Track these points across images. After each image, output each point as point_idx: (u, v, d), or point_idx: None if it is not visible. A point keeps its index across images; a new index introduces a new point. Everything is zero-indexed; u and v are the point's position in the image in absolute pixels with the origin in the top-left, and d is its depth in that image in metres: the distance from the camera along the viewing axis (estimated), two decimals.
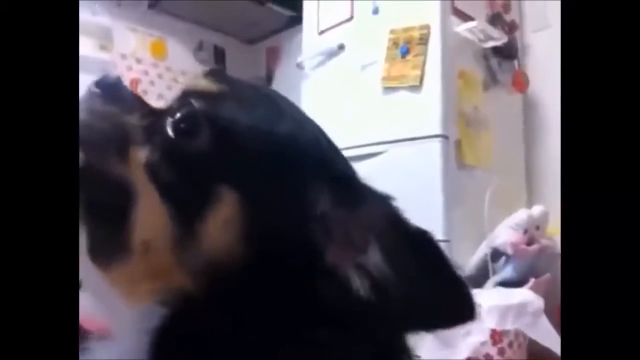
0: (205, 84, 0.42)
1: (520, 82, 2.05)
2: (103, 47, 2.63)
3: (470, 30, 1.81)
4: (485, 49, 1.90)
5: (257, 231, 0.37)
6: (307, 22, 2.28)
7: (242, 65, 3.23)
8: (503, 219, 1.72)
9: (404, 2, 1.86)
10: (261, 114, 0.41)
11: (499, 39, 1.87)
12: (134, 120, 0.41)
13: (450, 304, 0.36)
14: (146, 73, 2.89)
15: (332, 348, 0.35)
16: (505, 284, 1.61)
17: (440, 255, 0.36)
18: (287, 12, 2.84)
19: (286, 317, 0.35)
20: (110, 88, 0.43)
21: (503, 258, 1.68)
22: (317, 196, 0.37)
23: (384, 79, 1.84)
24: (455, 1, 1.81)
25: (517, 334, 1.42)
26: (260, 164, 0.38)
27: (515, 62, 2.05)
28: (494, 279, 1.63)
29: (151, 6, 2.84)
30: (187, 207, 0.37)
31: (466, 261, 1.69)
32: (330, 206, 0.37)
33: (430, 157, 1.69)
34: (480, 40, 1.86)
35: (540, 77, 2.10)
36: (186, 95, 0.41)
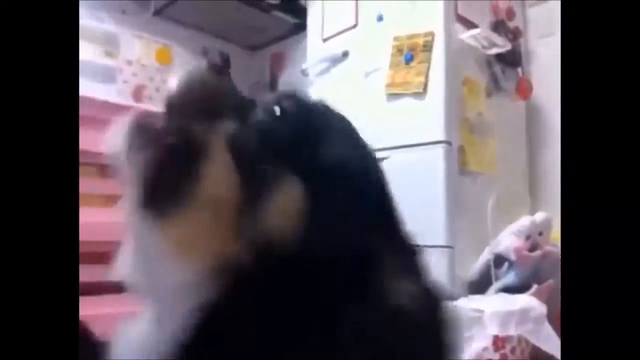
0: (301, 92, 0.47)
1: (524, 89, 2.06)
2: (109, 54, 2.66)
3: (474, 37, 1.82)
4: (489, 55, 1.91)
5: (316, 227, 0.39)
6: (311, 29, 2.30)
7: (246, 71, 3.25)
8: (506, 225, 1.72)
9: (408, 10, 1.87)
10: (342, 131, 0.46)
11: (502, 46, 1.88)
12: (229, 99, 0.46)
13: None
14: (151, 79, 2.91)
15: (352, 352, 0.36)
16: (508, 290, 1.61)
17: (444, 316, 0.39)
18: (292, 19, 2.85)
19: (323, 314, 0.36)
20: (216, 67, 0.47)
21: (506, 264, 1.68)
22: (369, 219, 0.41)
23: (388, 85, 1.86)
24: (459, 8, 1.83)
25: (520, 340, 1.42)
26: (331, 172, 0.42)
27: (519, 69, 2.06)
28: (496, 284, 1.63)
29: (156, 13, 2.86)
30: (257, 184, 0.39)
31: (469, 267, 1.69)
32: (376, 231, 0.41)
33: (433, 163, 1.70)
34: (484, 47, 1.87)
35: (544, 84, 2.10)
36: (282, 96, 0.46)
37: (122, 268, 0.43)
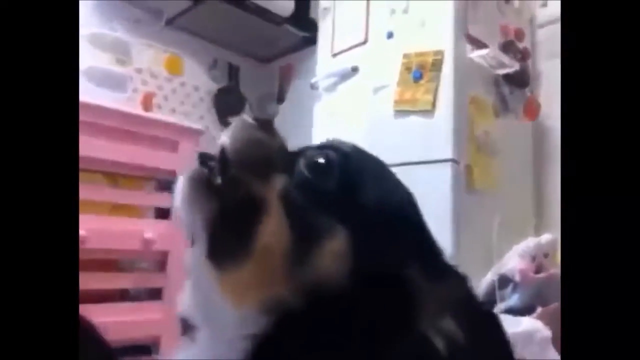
0: (339, 142, 0.51)
1: (532, 110, 2.07)
2: (120, 62, 2.68)
3: (483, 57, 1.83)
4: (498, 75, 1.92)
5: (361, 269, 0.41)
6: (321, 43, 2.31)
7: (255, 82, 3.27)
8: (512, 244, 1.72)
9: (418, 28, 1.88)
10: (380, 175, 0.49)
11: (511, 66, 1.89)
12: (277, 153, 0.49)
13: None
14: (160, 88, 2.93)
15: None
16: (512, 311, 1.60)
17: (503, 336, 0.42)
18: (302, 33, 2.88)
19: (370, 349, 0.39)
20: (266, 124, 0.51)
21: (510, 285, 1.67)
22: (412, 261, 0.43)
23: (396, 102, 1.86)
24: (469, 28, 1.84)
25: None
26: (373, 214, 0.45)
27: (527, 90, 2.07)
28: (500, 306, 1.62)
29: (168, 23, 2.89)
30: (306, 231, 0.43)
31: (474, 286, 1.68)
32: (419, 273, 0.42)
33: (440, 181, 1.70)
34: (492, 67, 1.88)
35: (551, 105, 2.11)
36: (324, 147, 0.49)
37: (184, 301, 0.47)
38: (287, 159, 0.48)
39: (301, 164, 0.47)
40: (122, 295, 1.51)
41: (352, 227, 0.42)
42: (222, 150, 0.47)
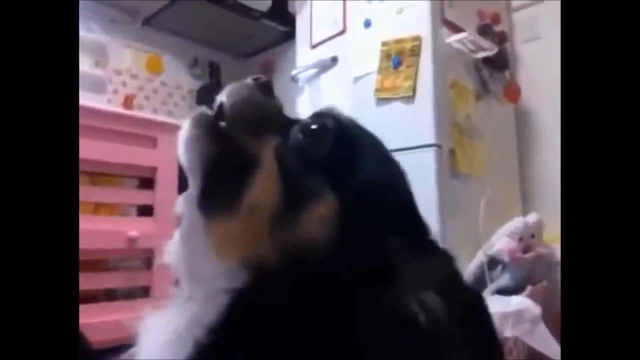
0: (337, 111, 0.51)
1: (512, 93, 2.08)
2: (98, 64, 2.64)
3: (460, 41, 1.83)
4: (477, 59, 1.93)
5: (346, 236, 0.41)
6: (300, 36, 2.30)
7: (236, 79, 3.24)
8: (498, 227, 1.73)
9: (395, 15, 1.88)
10: (373, 146, 0.50)
11: (489, 49, 1.90)
12: (275, 114, 0.50)
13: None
14: (141, 88, 2.90)
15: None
16: (502, 292, 1.61)
17: (487, 316, 0.42)
18: (281, 27, 2.86)
19: (347, 319, 0.38)
20: (264, 86, 0.51)
21: (500, 266, 1.68)
22: (399, 234, 0.43)
23: (377, 90, 1.86)
24: (445, 12, 1.84)
25: (516, 341, 1.42)
26: (363, 183, 0.45)
27: (507, 73, 2.08)
28: (491, 287, 1.63)
29: (145, 22, 2.86)
30: (296, 192, 0.43)
31: (462, 269, 1.69)
32: (404, 246, 0.42)
33: (424, 167, 1.70)
34: (471, 51, 1.89)
35: (531, 87, 2.12)
36: (321, 114, 0.50)
37: (170, 250, 0.48)
38: (283, 122, 0.49)
39: (297, 128, 0.48)
40: (109, 295, 1.49)
41: (341, 195, 0.43)
42: (220, 106, 0.48)
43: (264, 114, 0.49)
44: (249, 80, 0.51)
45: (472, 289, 0.42)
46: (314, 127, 0.48)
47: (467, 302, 0.41)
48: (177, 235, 0.48)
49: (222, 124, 0.47)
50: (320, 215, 0.42)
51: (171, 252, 0.48)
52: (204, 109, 0.49)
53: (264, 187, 0.44)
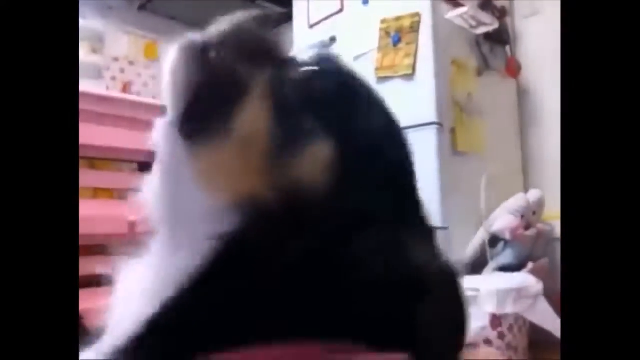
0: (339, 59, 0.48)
1: (513, 68, 2.05)
2: (95, 51, 2.63)
3: (461, 16, 1.80)
4: (477, 35, 1.90)
5: (342, 183, 0.39)
6: (297, 16, 2.28)
7: None
8: (500, 204, 1.72)
9: None
10: (375, 97, 0.47)
11: (490, 24, 1.87)
12: (271, 47, 0.46)
13: (445, 333, 0.40)
14: (139, 75, 2.88)
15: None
16: (504, 269, 1.61)
17: (456, 292, 0.40)
18: (278, 9, 2.83)
19: (342, 254, 0.37)
20: (262, 18, 0.47)
21: (501, 243, 1.67)
22: (391, 184, 0.42)
23: (377, 69, 1.84)
24: None
25: (517, 318, 1.42)
26: (362, 132, 0.43)
27: (508, 48, 2.05)
28: (492, 264, 1.63)
29: (141, 8, 2.84)
30: (292, 131, 0.40)
31: (464, 247, 1.69)
32: (395, 197, 0.41)
33: (425, 145, 1.69)
34: (471, 27, 1.86)
35: (532, 63, 2.10)
36: (321, 56, 0.47)
37: (147, 189, 0.43)
38: (280, 57, 0.46)
39: (295, 64, 0.45)
40: (110, 280, 1.49)
41: (339, 140, 0.40)
42: (212, 34, 0.44)
43: (258, 45, 0.45)
44: (246, 13, 0.47)
45: (448, 264, 0.41)
46: (314, 66, 0.45)
47: (444, 276, 0.40)
48: (155, 168, 0.43)
49: (212, 52, 0.43)
50: (315, 156, 0.39)
51: (149, 189, 0.43)
52: (192, 38, 0.45)
53: (255, 117, 0.40)
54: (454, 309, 0.40)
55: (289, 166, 0.39)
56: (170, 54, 0.43)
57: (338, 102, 0.43)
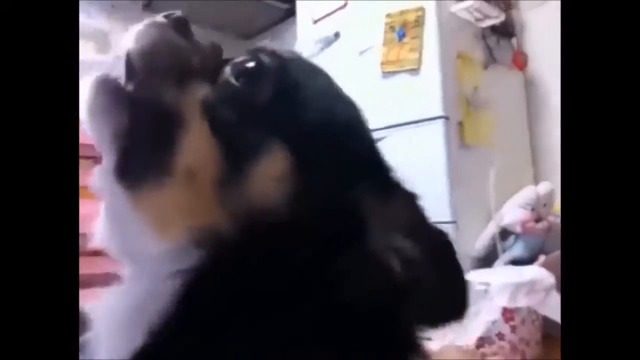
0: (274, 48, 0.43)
1: (520, 60, 2.04)
2: (100, 50, 2.63)
3: (466, 9, 1.79)
4: (483, 28, 1.89)
5: (304, 192, 0.37)
6: (301, 12, 2.27)
7: None
8: (509, 196, 1.71)
9: None
10: (323, 85, 0.43)
11: (495, 17, 1.85)
12: (197, 58, 0.41)
13: (450, 300, 0.39)
14: None
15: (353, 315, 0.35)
16: (515, 262, 1.60)
17: (453, 255, 0.39)
18: (282, 5, 2.82)
19: (319, 277, 0.35)
20: (179, 23, 0.43)
21: (512, 236, 1.66)
22: (362, 179, 0.38)
23: (383, 63, 1.83)
24: None
25: (530, 311, 1.41)
26: (316, 130, 0.39)
27: (514, 40, 2.03)
28: (503, 257, 1.62)
29: (145, 6, 2.83)
30: (238, 150, 0.37)
31: (474, 241, 1.68)
32: (370, 191, 0.38)
33: (432, 139, 1.68)
34: (477, 20, 1.85)
35: (539, 55, 2.08)
36: (257, 51, 0.42)
37: (99, 235, 0.41)
38: (210, 66, 0.41)
39: (228, 72, 0.40)
40: (114, 279, 1.48)
41: (292, 145, 0.37)
42: (127, 54, 0.39)
43: (183, 60, 0.40)
44: (159, 18, 0.42)
45: (436, 228, 0.39)
46: (248, 67, 0.40)
47: (436, 242, 0.38)
48: (102, 212, 0.40)
49: (130, 85, 0.39)
50: (273, 172, 0.36)
51: (100, 233, 0.40)
52: (104, 73, 0.39)
53: (196, 148, 0.37)
54: (452, 272, 0.39)
55: (244, 189, 0.36)
56: (85, 93, 0.39)
57: (284, 102, 0.39)
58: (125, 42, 0.40)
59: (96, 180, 0.40)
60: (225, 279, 0.35)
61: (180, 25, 0.42)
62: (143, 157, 0.37)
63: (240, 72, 0.40)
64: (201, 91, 0.39)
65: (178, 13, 0.43)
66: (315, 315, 0.34)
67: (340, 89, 0.44)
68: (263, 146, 0.37)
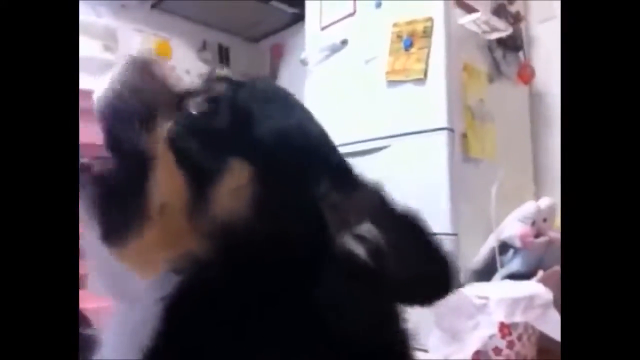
0: (227, 73, 0.47)
1: (526, 74, 2.04)
2: (108, 48, 2.64)
3: (474, 22, 1.79)
4: (490, 40, 1.89)
5: (266, 201, 0.39)
6: (309, 18, 2.27)
7: (246, 63, 3.23)
8: (510, 211, 1.71)
9: None
10: (276, 104, 0.46)
11: (503, 30, 1.85)
12: (162, 97, 0.45)
13: (430, 278, 0.39)
14: None
15: (333, 308, 0.37)
16: (514, 277, 1.59)
17: (424, 232, 0.39)
18: (290, 9, 2.83)
19: (293, 281, 0.38)
20: (143, 66, 0.46)
21: (511, 251, 1.66)
22: (320, 179, 0.41)
23: (388, 72, 1.83)
24: None
25: (527, 326, 1.41)
26: (272, 144, 0.42)
27: (521, 54, 2.03)
28: (502, 271, 1.62)
29: (154, 6, 2.84)
30: (201, 174, 0.40)
31: (474, 254, 1.68)
32: (330, 188, 0.41)
33: (436, 151, 1.68)
34: (484, 32, 1.85)
35: (546, 69, 2.07)
36: (212, 80, 0.46)
37: (95, 282, 0.45)
38: (172, 101, 0.44)
39: (189, 104, 0.44)
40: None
41: (251, 161, 0.40)
42: (98, 103, 0.43)
43: (149, 101, 0.43)
44: (118, 68, 0.45)
45: (405, 209, 0.40)
46: (204, 98, 0.44)
47: (405, 225, 0.39)
48: (92, 270, 0.45)
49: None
50: (233, 188, 0.39)
51: (95, 283, 0.45)
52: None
53: (165, 183, 0.40)
54: (427, 250, 0.39)
55: (210, 212, 0.39)
56: None
57: (240, 122, 0.42)
58: (96, 94, 0.44)
59: (84, 245, 0.43)
60: (204, 297, 0.38)
61: (142, 67, 0.45)
62: (123, 212, 0.41)
63: (198, 102, 0.44)
64: (165, 127, 0.43)
65: (142, 55, 0.47)
66: (292, 320, 0.37)
67: (292, 98, 0.47)
68: (223, 166, 0.40)
